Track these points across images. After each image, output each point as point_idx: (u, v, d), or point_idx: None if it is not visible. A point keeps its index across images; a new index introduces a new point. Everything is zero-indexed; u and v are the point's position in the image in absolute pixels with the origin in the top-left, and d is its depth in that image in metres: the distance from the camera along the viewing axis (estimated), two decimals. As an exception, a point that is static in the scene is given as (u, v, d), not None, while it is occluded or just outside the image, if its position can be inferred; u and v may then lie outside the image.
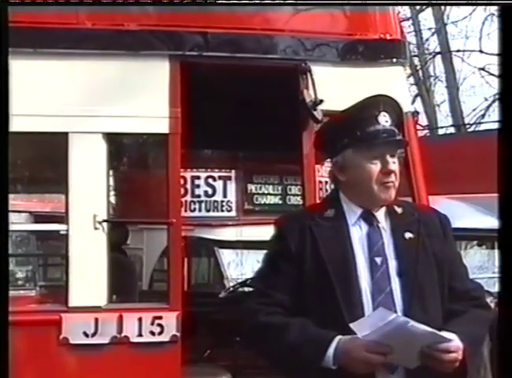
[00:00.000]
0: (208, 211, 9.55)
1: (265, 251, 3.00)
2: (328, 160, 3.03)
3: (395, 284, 2.75)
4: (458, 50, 19.91)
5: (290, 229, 2.87)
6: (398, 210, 2.89)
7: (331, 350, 2.64)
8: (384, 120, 2.81)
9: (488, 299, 3.06)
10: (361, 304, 2.72)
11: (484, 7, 16.84)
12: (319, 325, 2.70)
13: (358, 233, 2.82)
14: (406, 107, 5.17)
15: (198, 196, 9.41)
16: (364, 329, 2.58)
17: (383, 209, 2.87)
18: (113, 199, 7.84)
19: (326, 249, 2.77)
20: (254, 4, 4.98)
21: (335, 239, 2.79)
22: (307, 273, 2.77)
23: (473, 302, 2.86)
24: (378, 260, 2.77)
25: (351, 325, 2.61)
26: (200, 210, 9.52)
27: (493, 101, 19.09)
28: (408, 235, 2.82)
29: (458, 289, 2.86)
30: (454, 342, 2.64)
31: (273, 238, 2.93)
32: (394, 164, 2.83)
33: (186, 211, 9.01)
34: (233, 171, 9.21)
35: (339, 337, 2.65)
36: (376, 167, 2.80)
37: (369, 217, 2.85)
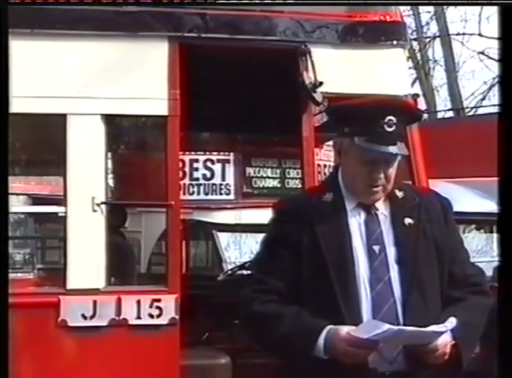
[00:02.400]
0: (206, 194, 9.55)
1: (263, 235, 2.98)
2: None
3: (394, 272, 2.73)
4: (458, 34, 19.86)
5: (287, 213, 2.85)
6: (399, 194, 2.85)
7: (321, 341, 2.64)
8: (389, 124, 2.72)
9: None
10: (357, 292, 2.70)
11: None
12: (315, 313, 2.69)
13: (356, 220, 2.79)
14: (406, 89, 5.16)
15: (197, 179, 9.41)
16: (362, 334, 2.58)
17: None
18: (111, 182, 7.82)
19: (323, 235, 2.74)
20: (255, 4, 4.94)
21: (333, 224, 2.77)
22: (304, 259, 2.75)
23: (472, 289, 2.84)
24: (376, 248, 2.75)
25: (351, 332, 2.60)
26: (199, 193, 9.52)
27: (492, 85, 19.06)
28: (408, 220, 2.79)
29: (457, 275, 2.83)
30: (441, 338, 2.63)
31: (270, 222, 2.91)
32: (386, 171, 2.76)
33: (184, 194, 9.00)
34: (232, 154, 9.20)
35: (329, 327, 2.64)
36: (364, 170, 2.75)
37: (367, 204, 2.81)
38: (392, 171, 2.79)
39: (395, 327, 2.58)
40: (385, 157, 2.75)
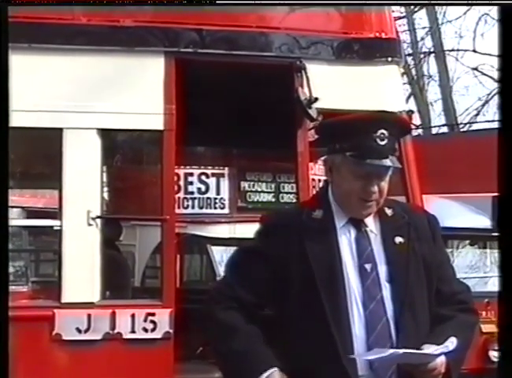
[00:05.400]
0: (201, 208, 9.52)
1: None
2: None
3: (386, 291, 2.71)
4: (452, 50, 19.95)
5: (274, 228, 2.82)
6: (388, 212, 2.83)
7: None
8: (381, 138, 2.71)
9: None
10: (347, 311, 2.67)
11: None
12: (303, 332, 2.67)
13: (346, 238, 2.77)
14: (401, 106, 5.19)
15: (191, 193, 9.38)
16: (367, 357, 2.59)
17: None
18: (106, 195, 7.82)
19: (313, 253, 2.71)
20: (254, 4, 4.97)
21: (323, 242, 2.73)
22: (291, 275, 2.71)
23: (460, 306, 2.84)
24: (368, 266, 2.73)
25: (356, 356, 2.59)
26: (193, 207, 9.49)
27: (486, 101, 19.14)
28: (398, 239, 2.78)
29: (445, 292, 2.83)
30: (439, 358, 2.63)
31: (257, 234, 2.86)
32: (380, 184, 2.74)
33: (179, 208, 8.97)
34: (226, 168, 9.19)
35: (273, 369, 2.61)
36: (358, 183, 2.73)
37: (357, 222, 2.79)
38: (385, 184, 2.77)
39: (401, 351, 2.57)
40: (378, 170, 2.74)
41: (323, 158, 2.92)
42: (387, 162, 2.74)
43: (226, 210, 9.50)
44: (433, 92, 20.42)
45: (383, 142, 2.72)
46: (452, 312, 2.80)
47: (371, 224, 2.81)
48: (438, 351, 2.62)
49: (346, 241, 2.77)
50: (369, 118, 2.79)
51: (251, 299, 2.74)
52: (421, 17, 19.90)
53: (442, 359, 2.65)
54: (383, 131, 2.72)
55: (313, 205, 2.86)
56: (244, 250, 2.93)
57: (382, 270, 2.73)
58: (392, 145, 2.77)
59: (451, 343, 2.64)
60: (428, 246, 2.83)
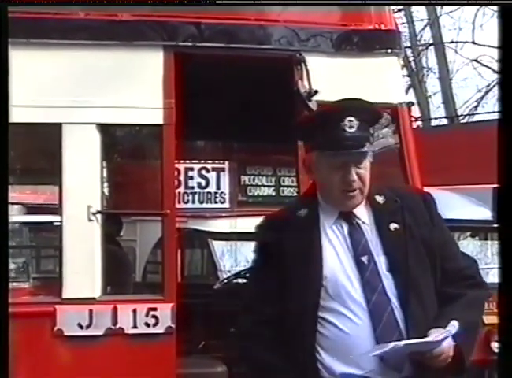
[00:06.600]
0: (201, 203, 9.52)
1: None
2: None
3: (387, 280, 2.69)
4: (451, 42, 19.93)
5: (267, 231, 2.86)
6: (380, 199, 2.80)
7: None
8: (350, 125, 2.69)
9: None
10: (316, 305, 2.68)
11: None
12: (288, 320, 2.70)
13: (340, 233, 2.75)
14: (401, 97, 5.17)
15: (192, 187, 9.38)
16: (370, 352, 2.59)
17: (362, 202, 2.79)
18: (106, 191, 7.81)
19: (290, 249, 2.72)
20: (254, 4, 4.95)
21: (303, 240, 2.73)
22: (285, 276, 2.73)
23: (467, 282, 2.81)
24: (364, 259, 2.71)
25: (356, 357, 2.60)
26: (193, 202, 9.49)
27: (486, 93, 19.14)
28: (393, 226, 2.75)
29: (451, 270, 2.79)
30: (444, 342, 2.62)
31: (255, 243, 2.93)
32: (359, 172, 2.72)
33: (179, 203, 8.97)
34: (227, 162, 9.19)
35: None
36: (337, 175, 2.71)
37: (347, 215, 2.77)
38: (365, 171, 2.74)
39: (402, 343, 2.58)
40: (354, 158, 2.72)
41: (301, 160, 2.92)
42: (362, 149, 2.72)
43: (226, 204, 9.50)
44: (432, 84, 20.42)
45: (352, 130, 2.70)
46: (460, 289, 2.77)
47: (363, 214, 2.79)
48: (440, 337, 2.60)
49: (340, 236, 2.75)
50: (333, 108, 2.79)
51: (272, 311, 2.74)
52: (419, 10, 19.89)
53: (449, 342, 2.63)
54: (350, 118, 2.71)
55: (298, 204, 2.88)
56: (254, 259, 2.95)
57: (380, 260, 2.72)
58: (364, 131, 2.74)
59: (453, 327, 2.62)
60: (426, 226, 2.80)
